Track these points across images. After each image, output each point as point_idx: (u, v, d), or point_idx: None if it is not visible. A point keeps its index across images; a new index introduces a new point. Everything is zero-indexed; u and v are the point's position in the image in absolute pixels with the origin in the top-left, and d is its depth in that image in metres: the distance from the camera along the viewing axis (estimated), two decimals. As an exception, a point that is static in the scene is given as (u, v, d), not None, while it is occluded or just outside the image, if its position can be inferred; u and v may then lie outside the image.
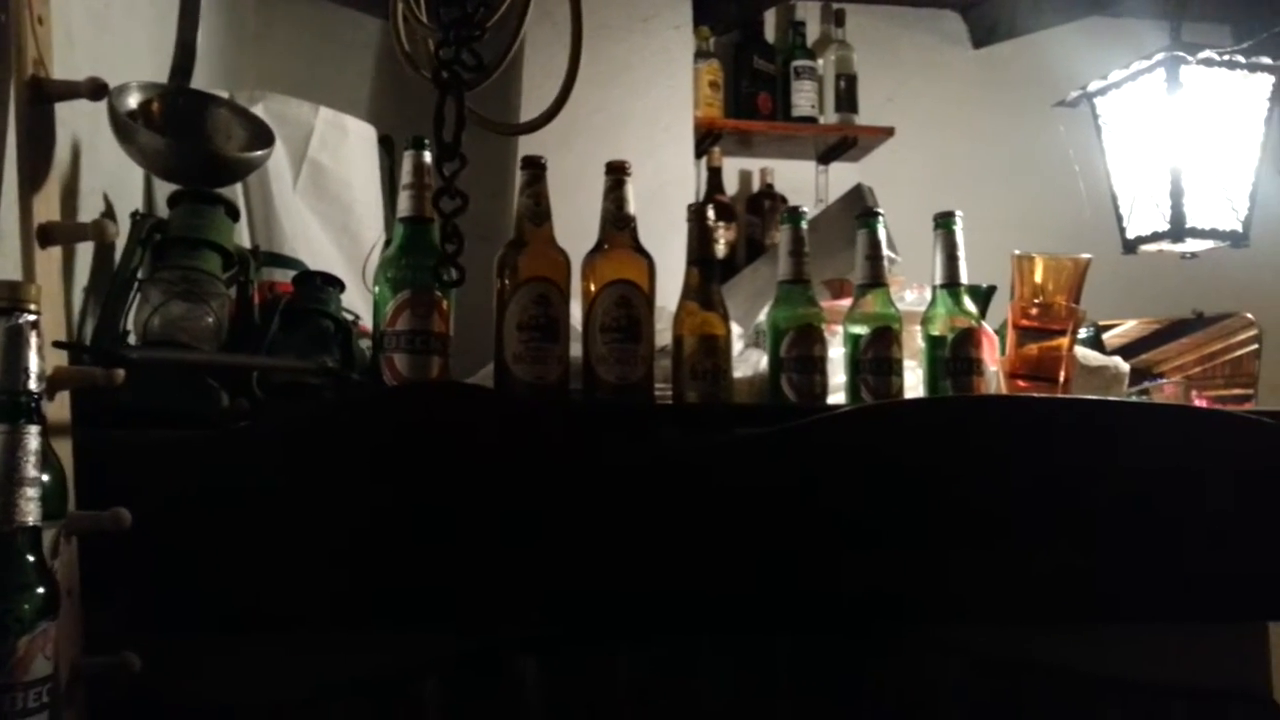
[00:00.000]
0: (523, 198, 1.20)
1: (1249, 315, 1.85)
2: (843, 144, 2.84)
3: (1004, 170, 2.85)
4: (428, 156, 1.17)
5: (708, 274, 1.24)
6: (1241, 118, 1.59)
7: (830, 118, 2.85)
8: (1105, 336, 1.82)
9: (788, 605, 1.07)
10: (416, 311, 1.12)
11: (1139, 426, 1.16)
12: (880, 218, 1.30)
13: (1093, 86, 1.70)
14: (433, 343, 1.13)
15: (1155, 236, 1.60)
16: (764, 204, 2.78)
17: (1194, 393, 1.73)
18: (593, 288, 1.20)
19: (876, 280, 1.28)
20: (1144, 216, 1.63)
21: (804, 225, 1.27)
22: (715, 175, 2.76)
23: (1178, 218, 1.56)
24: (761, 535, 1.05)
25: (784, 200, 2.81)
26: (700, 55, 2.72)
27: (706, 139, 2.74)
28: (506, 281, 1.17)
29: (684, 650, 1.07)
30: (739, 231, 2.77)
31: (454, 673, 1.02)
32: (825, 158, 2.92)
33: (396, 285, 1.13)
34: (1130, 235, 1.68)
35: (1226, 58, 1.54)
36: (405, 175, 1.17)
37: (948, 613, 1.10)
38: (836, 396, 1.29)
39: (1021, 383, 1.30)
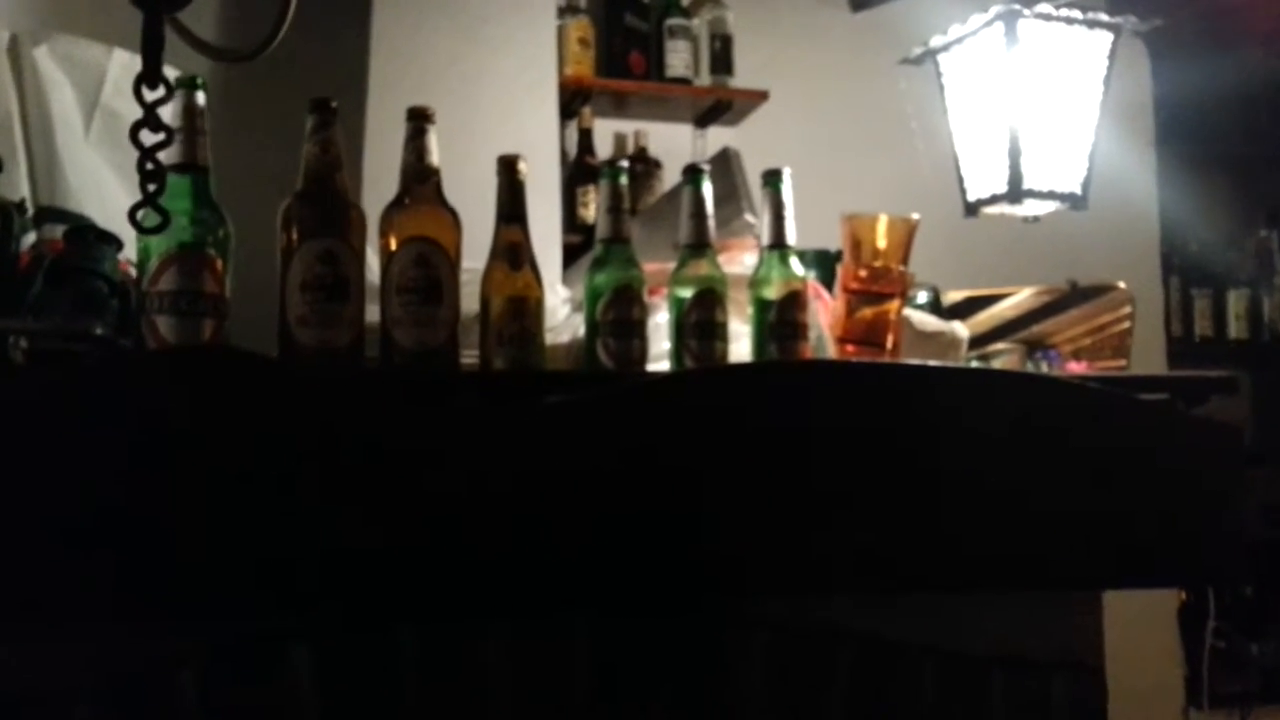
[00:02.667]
0: (309, 144, 1.10)
1: (1123, 286, 1.85)
2: (718, 107, 2.78)
3: (883, 135, 2.82)
4: (201, 97, 1.06)
5: (517, 231, 1.16)
6: (1081, 76, 1.56)
7: (705, 80, 2.78)
8: (998, 307, 1.80)
9: (583, 582, 1.00)
10: (184, 269, 1.02)
11: (962, 391, 1.12)
12: (704, 175, 1.23)
13: (935, 42, 1.66)
14: (202, 304, 1.02)
15: (995, 199, 1.58)
16: (636, 168, 2.70)
17: (1075, 363, 1.71)
18: (392, 245, 1.11)
19: (701, 241, 1.22)
20: (984, 178, 1.60)
21: (622, 181, 1.20)
22: (586, 136, 2.68)
23: (1015, 179, 1.53)
24: (558, 510, 0.99)
25: (658, 164, 2.75)
26: (569, 11, 2.62)
27: (576, 99, 2.65)
28: (292, 237, 1.07)
29: (472, 633, 1.00)
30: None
31: (212, 663, 0.93)
32: (702, 121, 2.86)
33: (160, 240, 1.03)
34: (970, 198, 1.65)
35: (1064, 13, 1.51)
36: (173, 119, 1.06)
37: (756, 585, 1.05)
38: (663, 364, 1.23)
39: (850, 348, 1.25)
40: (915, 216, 1.27)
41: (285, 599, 0.93)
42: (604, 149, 2.80)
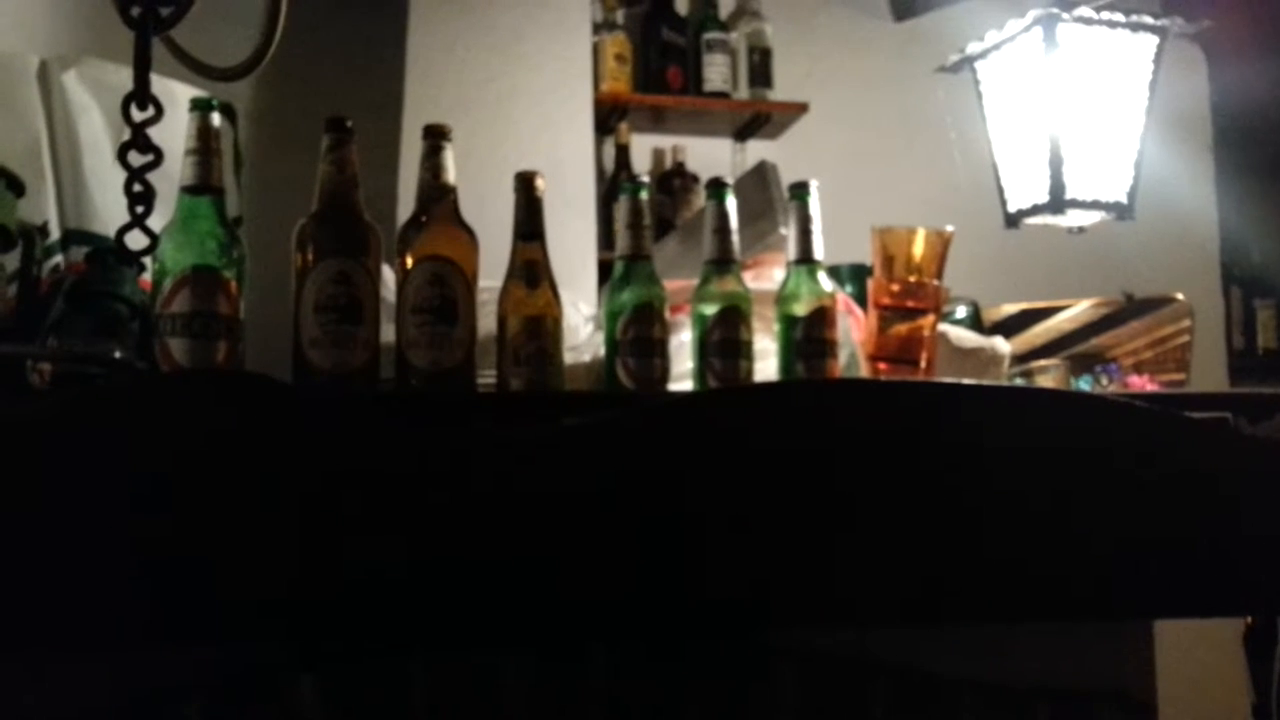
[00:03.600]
0: (324, 163, 1.08)
1: (1181, 297, 1.78)
2: (757, 120, 2.74)
3: (926, 146, 2.76)
4: (215, 118, 1.06)
5: (536, 249, 1.13)
6: (1124, 81, 1.50)
7: (744, 93, 2.75)
8: (1054, 320, 1.74)
9: (603, 611, 0.97)
10: (196, 291, 1.01)
11: (998, 410, 1.07)
12: (728, 189, 1.20)
13: (973, 49, 1.60)
14: (216, 326, 1.01)
15: (1036, 209, 1.52)
16: (674, 183, 2.67)
17: (1136, 377, 1.65)
18: (407, 265, 1.09)
19: (725, 257, 1.19)
20: (1025, 188, 1.54)
21: (642, 196, 1.17)
22: (623, 152, 2.65)
23: (1057, 188, 1.47)
24: (575, 537, 0.95)
25: (695, 179, 2.72)
26: (606, 26, 2.61)
27: (612, 115, 2.63)
28: (307, 257, 1.06)
29: (485, 665, 0.97)
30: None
31: (220, 694, 0.91)
32: (741, 135, 2.83)
33: (175, 262, 1.02)
34: (1011, 209, 1.59)
35: (1105, 16, 1.45)
36: (188, 139, 1.05)
37: (789, 615, 1.01)
38: (686, 384, 1.19)
39: (883, 366, 1.21)
40: (950, 229, 1.22)
41: (296, 627, 0.91)
42: (642, 165, 2.78)
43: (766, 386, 1.10)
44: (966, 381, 1.15)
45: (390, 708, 0.94)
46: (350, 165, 1.08)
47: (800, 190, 1.22)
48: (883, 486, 1.01)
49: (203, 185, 1.04)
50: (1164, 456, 1.08)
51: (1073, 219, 1.56)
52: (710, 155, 2.81)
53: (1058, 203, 1.47)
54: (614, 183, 2.61)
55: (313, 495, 0.89)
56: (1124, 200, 1.54)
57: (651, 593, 0.97)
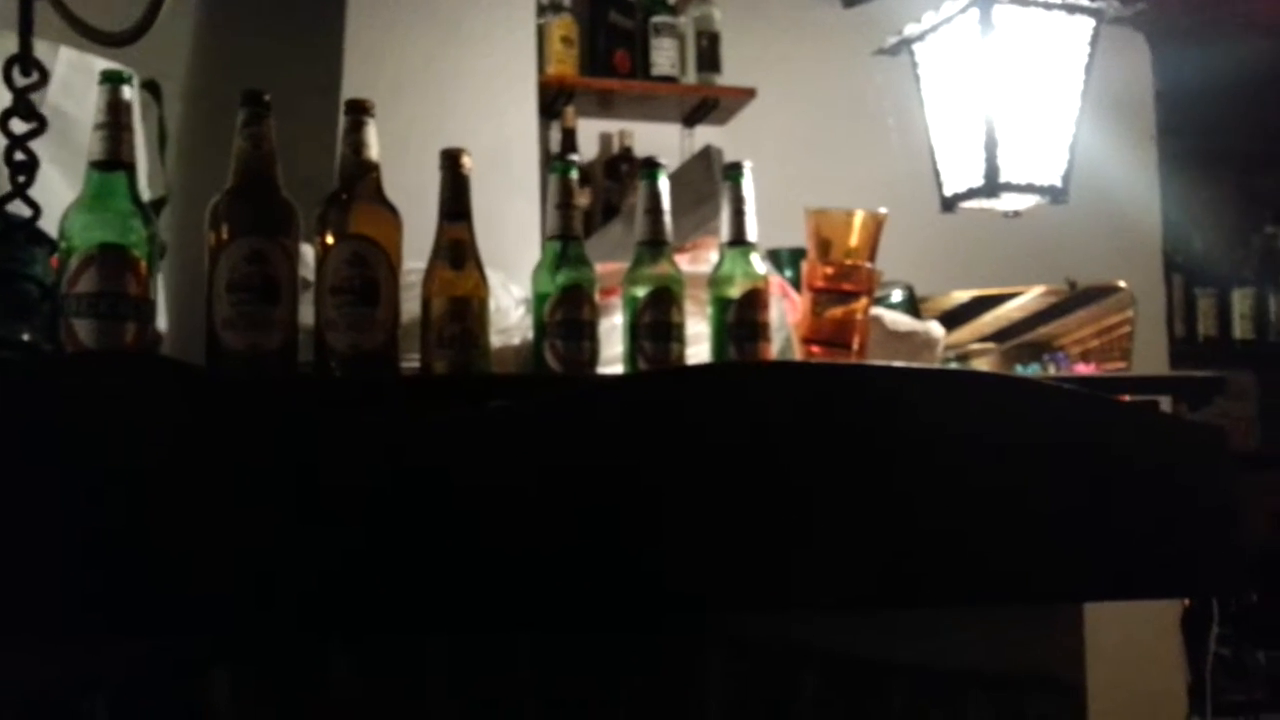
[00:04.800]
0: (240, 139, 1.05)
1: (1124, 285, 1.79)
2: (705, 105, 2.73)
3: (874, 131, 2.76)
4: (126, 92, 1.02)
5: (462, 229, 1.11)
6: (1060, 64, 1.50)
7: (692, 78, 2.73)
8: (1005, 308, 1.74)
9: (531, 599, 0.95)
10: (104, 270, 0.97)
11: (929, 394, 1.06)
12: (660, 170, 1.18)
13: (910, 31, 1.60)
14: (124, 306, 0.98)
15: (971, 193, 1.51)
16: (621, 168, 2.65)
17: (1083, 365, 1.66)
18: (327, 244, 1.06)
19: (657, 238, 1.17)
20: (960, 172, 1.54)
21: (572, 175, 1.15)
22: (569, 136, 2.62)
23: (992, 172, 1.47)
24: (501, 523, 0.93)
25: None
26: (552, 8, 2.57)
27: (559, 98, 2.60)
28: (220, 235, 1.03)
29: (410, 653, 0.94)
30: (595, 196, 2.64)
31: (128, 688, 0.88)
32: (689, 120, 2.81)
33: (82, 240, 0.98)
34: (947, 192, 1.59)
35: (1042, -1, 1.45)
36: (97, 113, 1.01)
37: (719, 600, 0.99)
38: (616, 367, 1.17)
39: (815, 349, 1.20)
40: (883, 211, 1.21)
41: (206, 617, 0.88)
42: (589, 149, 2.75)
43: (692, 369, 1.09)
44: (897, 364, 1.14)
45: (308, 700, 0.91)
46: (267, 141, 1.05)
47: (734, 171, 1.20)
48: (812, 470, 1.00)
49: (113, 160, 1.00)
50: (1092, 439, 1.09)
51: (1007, 202, 1.56)
52: (658, 140, 2.78)
53: (992, 186, 1.47)
54: (560, 167, 2.58)
55: (219, 483, 0.86)
56: (1058, 184, 1.55)
57: (584, 580, 0.96)
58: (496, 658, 0.98)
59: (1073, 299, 1.76)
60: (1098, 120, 2.59)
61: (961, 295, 1.75)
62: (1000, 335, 1.74)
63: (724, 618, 1.04)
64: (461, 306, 1.07)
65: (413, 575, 0.91)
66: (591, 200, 2.62)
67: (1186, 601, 2.87)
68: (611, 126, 2.77)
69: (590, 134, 2.75)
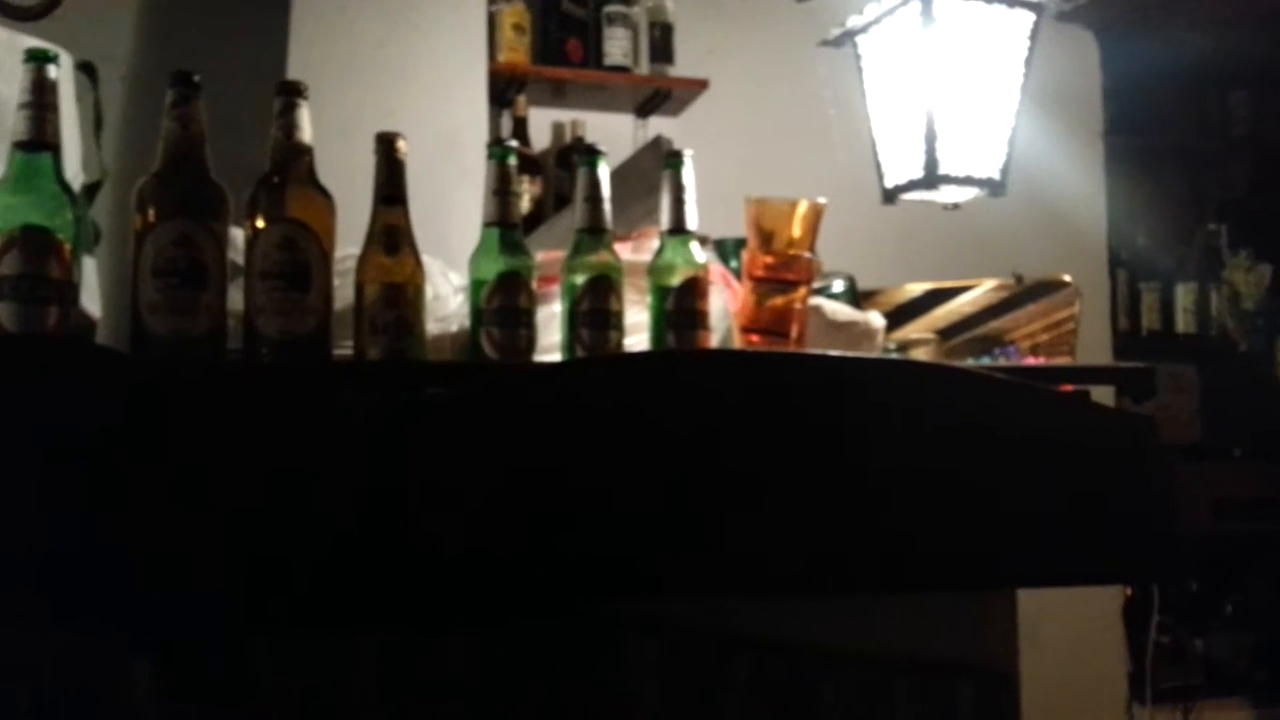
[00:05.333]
0: (168, 120, 1.03)
1: (1068, 279, 1.81)
2: (658, 96, 2.72)
3: (826, 125, 2.77)
4: (52, 71, 0.99)
5: (397, 214, 1.09)
6: (1000, 57, 1.51)
7: (645, 68, 2.72)
8: (956, 302, 1.76)
9: (463, 587, 0.94)
10: (26, 252, 0.95)
11: (864, 382, 1.07)
12: (601, 157, 1.18)
13: (853, 23, 1.61)
14: (45, 290, 0.96)
15: (912, 185, 1.53)
16: (573, 158, 2.63)
17: (1032, 359, 1.67)
18: (257, 228, 1.04)
19: (596, 226, 1.16)
20: (901, 163, 1.55)
21: (510, 161, 1.14)
22: (520, 125, 2.61)
23: (931, 164, 1.48)
24: (431, 510, 0.93)
25: (596, 154, 2.68)
26: (503, -4, 2.55)
27: (510, 86, 2.58)
28: (147, 218, 1.01)
29: (339, 642, 0.93)
30: (546, 186, 2.62)
31: (52, 676, 0.86)
32: (643, 111, 2.80)
33: (3, 221, 0.96)
34: (888, 184, 1.60)
35: (982, -10, 1.46)
36: (21, 92, 0.99)
37: (650, 587, 0.99)
38: (554, 356, 1.17)
39: (754, 337, 1.20)
40: (822, 200, 1.21)
41: (124, 608, 0.87)
42: (541, 139, 2.73)
43: (627, 356, 1.09)
44: (832, 353, 1.15)
45: (231, 692, 0.90)
46: (196, 122, 1.03)
47: (674, 160, 1.20)
48: (746, 456, 1.00)
49: (37, 141, 0.98)
50: (1024, 427, 1.10)
51: (946, 195, 1.57)
52: (611, 130, 2.77)
53: (932, 178, 1.48)
54: (511, 156, 2.57)
55: (139, 470, 0.85)
56: (997, 176, 1.56)
57: (517, 568, 0.95)
58: (427, 650, 0.97)
59: (1022, 294, 1.78)
60: (1045, 116, 2.62)
61: (914, 289, 1.76)
62: (952, 329, 1.75)
63: (657, 606, 1.04)
64: (396, 293, 1.06)
65: (341, 567, 0.90)
66: (543, 190, 2.61)
67: (1128, 591, 2.92)
68: (564, 116, 2.75)
69: (542, 123, 2.74)
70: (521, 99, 2.61)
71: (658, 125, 2.80)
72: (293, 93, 1.07)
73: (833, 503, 1.03)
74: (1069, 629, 2.75)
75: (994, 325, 1.77)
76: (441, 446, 0.93)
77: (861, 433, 1.05)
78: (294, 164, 1.06)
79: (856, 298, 1.44)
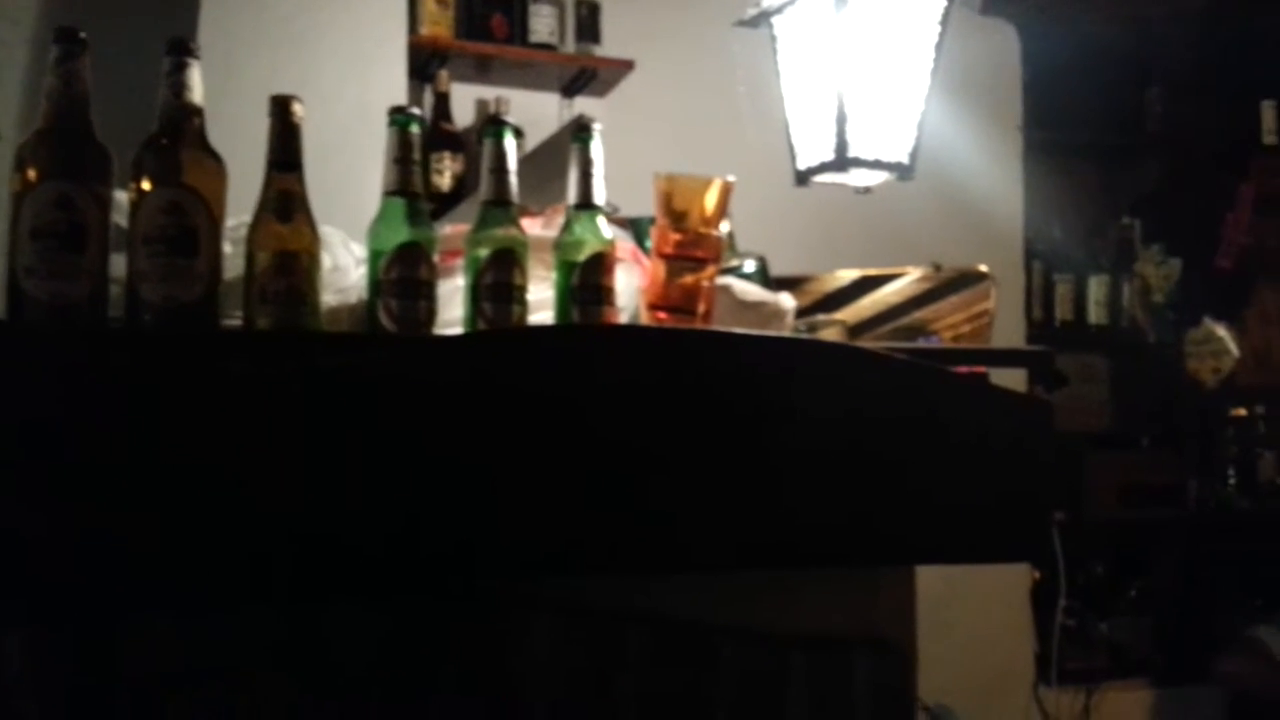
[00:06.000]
0: (51, 76, 0.98)
1: (984, 269, 1.83)
2: (584, 75, 2.70)
3: (751, 108, 2.77)
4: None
5: (291, 180, 1.06)
6: (912, 41, 1.53)
7: (571, 47, 2.70)
8: (882, 292, 1.77)
9: (354, 566, 0.92)
10: (-113, 210, 0.90)
11: (762, 359, 1.07)
12: (507, 128, 1.16)
13: (769, 3, 1.61)
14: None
15: (824, 167, 1.53)
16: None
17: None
18: (142, 191, 1.00)
19: (501, 198, 1.14)
20: (814, 146, 1.56)
21: (413, 130, 1.11)
22: (442, 101, 2.57)
23: (842, 146, 1.49)
24: (317, 486, 0.90)
25: (520, 132, 2.65)
26: (426, -32, 2.51)
27: (432, 61, 2.54)
28: (27, 178, 0.96)
29: (209, 628, 0.90)
30: (469, 163, 2.59)
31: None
32: (569, 90, 2.78)
33: None
34: (801, 166, 1.61)
35: (895, -26, 1.46)
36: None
37: (540, 565, 0.98)
38: (457, 330, 1.15)
39: (662, 315, 1.19)
40: (731, 178, 1.21)
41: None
42: (464, 115, 2.70)
43: (525, 330, 1.07)
44: (736, 330, 1.15)
45: (101, 674, 0.87)
46: (80, 81, 0.99)
47: (582, 133, 1.19)
48: (644, 432, 0.99)
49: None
50: (921, 407, 1.11)
51: (856, 178, 1.58)
52: (536, 109, 2.75)
53: (842, 161, 1.49)
54: (432, 132, 2.53)
55: (4, 438, 0.81)
56: (906, 161, 1.58)
57: (412, 546, 0.93)
58: (308, 629, 0.95)
59: (945, 284, 1.80)
60: (965, 109, 2.66)
61: (844, 275, 1.77)
62: (879, 319, 1.77)
63: (551, 583, 1.03)
64: (289, 261, 1.03)
65: (222, 543, 0.88)
66: (465, 167, 2.57)
67: (1036, 575, 3.00)
68: (488, 93, 2.72)
69: (467, 100, 2.70)
70: (444, 74, 2.57)
71: (584, 105, 2.78)
72: (182, 51, 1.03)
73: (733, 479, 1.03)
74: (978, 612, 2.82)
75: (918, 315, 1.79)
76: (329, 419, 0.91)
77: (762, 410, 1.05)
78: (183, 126, 1.02)
79: (768, 278, 1.44)
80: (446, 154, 2.50)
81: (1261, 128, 3.54)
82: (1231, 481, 3.44)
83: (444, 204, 2.38)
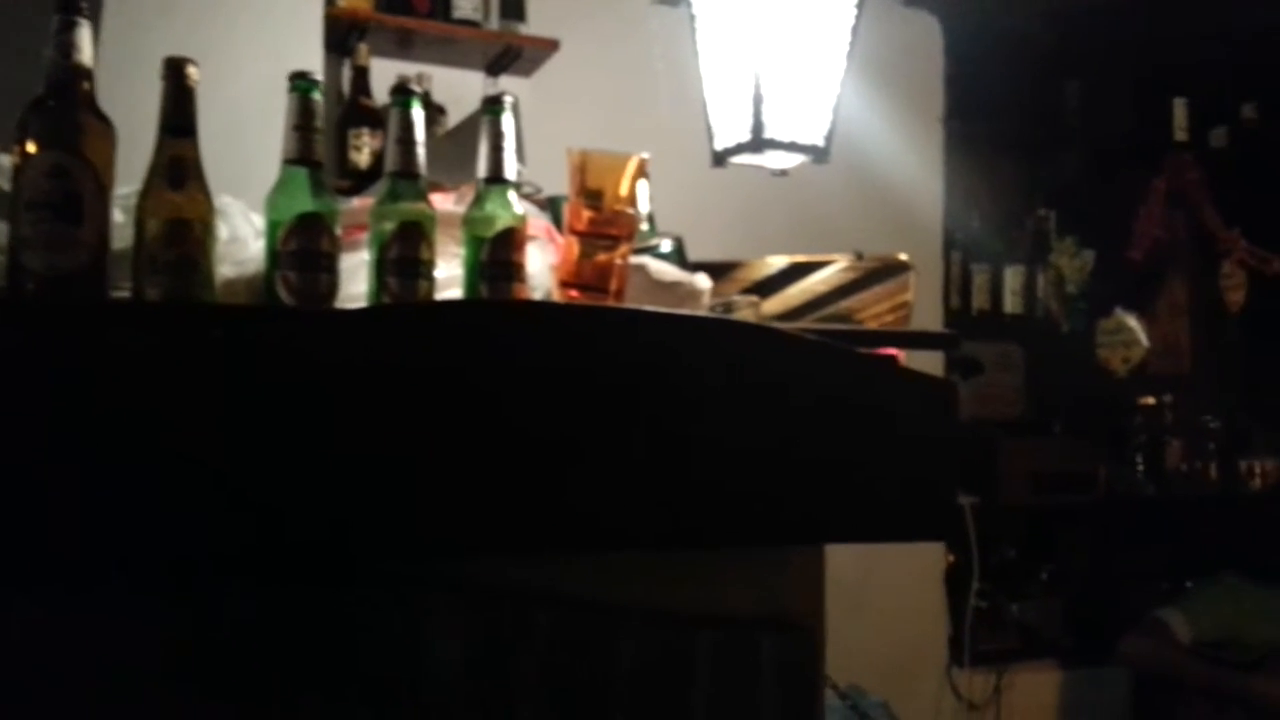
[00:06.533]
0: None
1: (904, 258, 1.85)
2: (508, 54, 2.66)
3: (674, 89, 2.76)
4: None
5: (185, 146, 1.02)
6: (828, 24, 1.53)
7: (495, 24, 2.66)
8: (809, 281, 1.76)
9: (233, 546, 0.89)
10: None
11: (667, 337, 1.06)
12: (415, 97, 1.13)
13: (687, -19, 1.60)
14: None
15: (740, 148, 1.53)
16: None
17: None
18: (25, 155, 0.96)
19: (408, 170, 1.12)
20: (731, 127, 1.55)
21: (315, 97, 1.08)
22: (361, 75, 2.51)
23: (758, 128, 1.49)
24: (214, 462, 0.87)
25: (442, 110, 2.61)
26: (346, -62, 2.44)
27: (351, 34, 2.48)
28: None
29: (96, 606, 0.87)
30: (387, 140, 2.53)
31: None
32: (493, 69, 2.73)
33: None
34: (718, 147, 1.60)
35: (807, -44, 1.47)
36: None
37: (440, 546, 0.96)
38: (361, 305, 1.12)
39: (574, 293, 1.18)
40: (645, 155, 1.20)
41: None
42: (384, 91, 2.64)
43: (428, 305, 1.05)
44: (645, 308, 1.13)
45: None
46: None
47: (493, 105, 1.16)
48: (549, 411, 0.98)
49: None
50: (828, 386, 1.11)
51: (773, 160, 1.58)
52: (460, 87, 2.70)
53: (758, 142, 1.49)
54: (350, 108, 2.47)
55: None
56: (821, 144, 1.58)
57: (310, 527, 0.91)
58: (202, 612, 0.92)
59: (870, 274, 1.81)
60: (888, 99, 2.68)
61: (775, 262, 1.77)
62: (807, 307, 1.77)
63: (453, 564, 1.01)
64: (180, 229, 0.99)
65: (108, 521, 0.84)
66: (384, 143, 2.51)
67: (950, 557, 3.06)
68: (410, 69, 2.66)
69: (386, 74, 2.64)
70: (363, 47, 2.51)
71: (508, 84, 2.74)
72: (70, 10, 0.98)
73: (640, 459, 1.02)
74: (894, 594, 2.86)
75: (844, 305, 1.80)
76: (218, 393, 0.87)
77: (671, 389, 1.04)
78: (70, 87, 0.97)
79: (685, 258, 1.44)
80: (365, 130, 2.44)
81: (1174, 124, 3.64)
82: (1140, 468, 3.54)
83: (362, 181, 2.33)
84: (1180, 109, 3.63)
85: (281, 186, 1.06)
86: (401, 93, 1.13)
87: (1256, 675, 2.70)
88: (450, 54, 2.68)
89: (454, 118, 2.72)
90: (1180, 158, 3.61)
